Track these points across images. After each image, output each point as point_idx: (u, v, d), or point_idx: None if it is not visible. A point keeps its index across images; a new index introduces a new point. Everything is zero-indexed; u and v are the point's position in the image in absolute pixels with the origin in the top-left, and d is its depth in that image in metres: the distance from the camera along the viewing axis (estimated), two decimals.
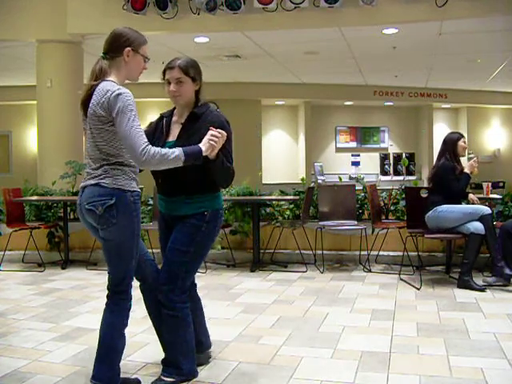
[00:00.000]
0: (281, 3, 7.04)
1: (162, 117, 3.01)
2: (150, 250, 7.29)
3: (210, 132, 2.62)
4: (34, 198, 6.84)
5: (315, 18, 7.23)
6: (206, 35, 8.40)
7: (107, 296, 2.69)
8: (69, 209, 6.71)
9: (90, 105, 2.55)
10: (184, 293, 2.87)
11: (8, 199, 6.35)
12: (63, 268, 6.26)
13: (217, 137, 2.61)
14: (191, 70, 2.85)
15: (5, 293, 5.13)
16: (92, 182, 2.58)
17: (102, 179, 2.55)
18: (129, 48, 2.60)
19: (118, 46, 2.60)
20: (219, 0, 7.06)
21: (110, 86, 2.52)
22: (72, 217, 6.93)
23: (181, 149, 2.55)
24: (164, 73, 2.88)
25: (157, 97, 13.23)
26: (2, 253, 6.40)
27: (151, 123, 3.04)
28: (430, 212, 5.13)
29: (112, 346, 2.63)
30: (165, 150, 2.51)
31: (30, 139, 13.11)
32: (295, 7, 6.96)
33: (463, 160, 5.40)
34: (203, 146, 2.60)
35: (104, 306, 2.68)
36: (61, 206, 6.73)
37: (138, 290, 2.92)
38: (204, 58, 10.21)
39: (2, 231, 6.67)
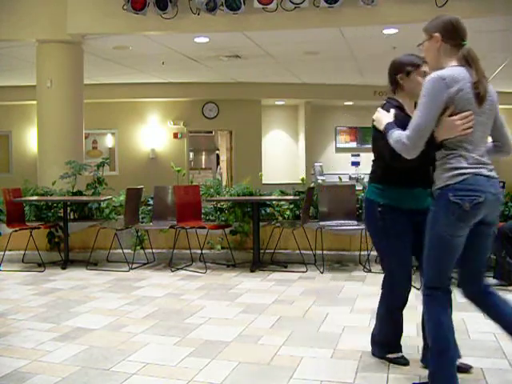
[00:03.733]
0: (281, 3, 7.04)
1: (399, 108, 3.06)
2: (149, 250, 7.25)
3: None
4: (34, 198, 6.84)
5: (315, 18, 7.23)
6: (206, 35, 8.39)
7: (439, 294, 2.62)
8: (69, 209, 6.71)
9: (494, 95, 2.66)
10: None
11: (8, 199, 6.35)
12: (63, 268, 6.25)
13: None
14: None
15: (5, 293, 5.13)
16: (495, 174, 2.74)
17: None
18: None
19: None
20: (219, 0, 7.05)
21: None
22: (72, 217, 6.93)
23: None
24: (418, 66, 3.08)
25: (157, 97, 13.25)
26: (2, 253, 6.40)
27: (395, 115, 2.95)
28: None
29: None
30: None
31: (30, 139, 13.08)
32: (295, 7, 6.95)
33: None
34: None
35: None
36: (61, 206, 6.72)
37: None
38: (204, 58, 10.22)
39: (1, 231, 6.66)
